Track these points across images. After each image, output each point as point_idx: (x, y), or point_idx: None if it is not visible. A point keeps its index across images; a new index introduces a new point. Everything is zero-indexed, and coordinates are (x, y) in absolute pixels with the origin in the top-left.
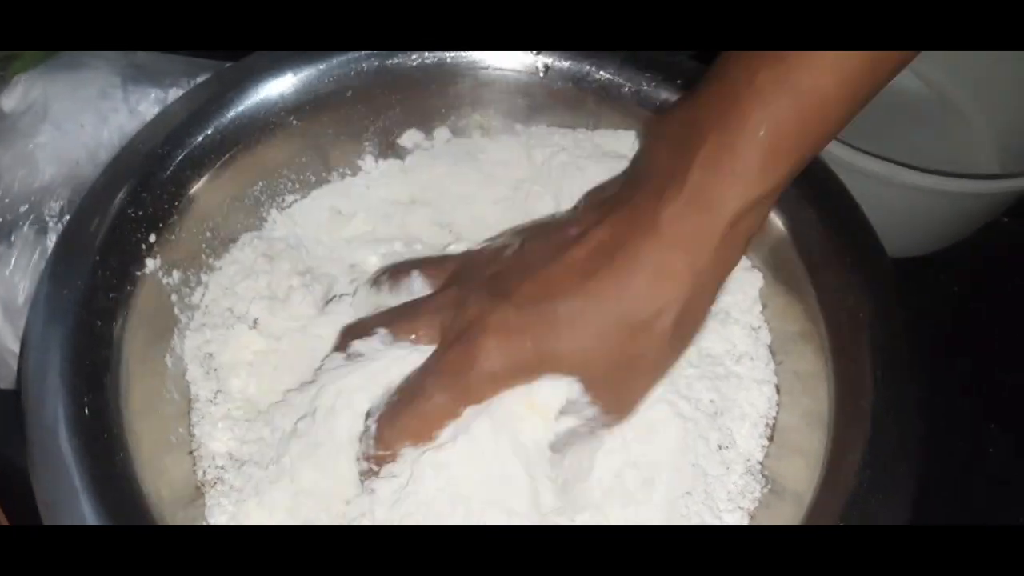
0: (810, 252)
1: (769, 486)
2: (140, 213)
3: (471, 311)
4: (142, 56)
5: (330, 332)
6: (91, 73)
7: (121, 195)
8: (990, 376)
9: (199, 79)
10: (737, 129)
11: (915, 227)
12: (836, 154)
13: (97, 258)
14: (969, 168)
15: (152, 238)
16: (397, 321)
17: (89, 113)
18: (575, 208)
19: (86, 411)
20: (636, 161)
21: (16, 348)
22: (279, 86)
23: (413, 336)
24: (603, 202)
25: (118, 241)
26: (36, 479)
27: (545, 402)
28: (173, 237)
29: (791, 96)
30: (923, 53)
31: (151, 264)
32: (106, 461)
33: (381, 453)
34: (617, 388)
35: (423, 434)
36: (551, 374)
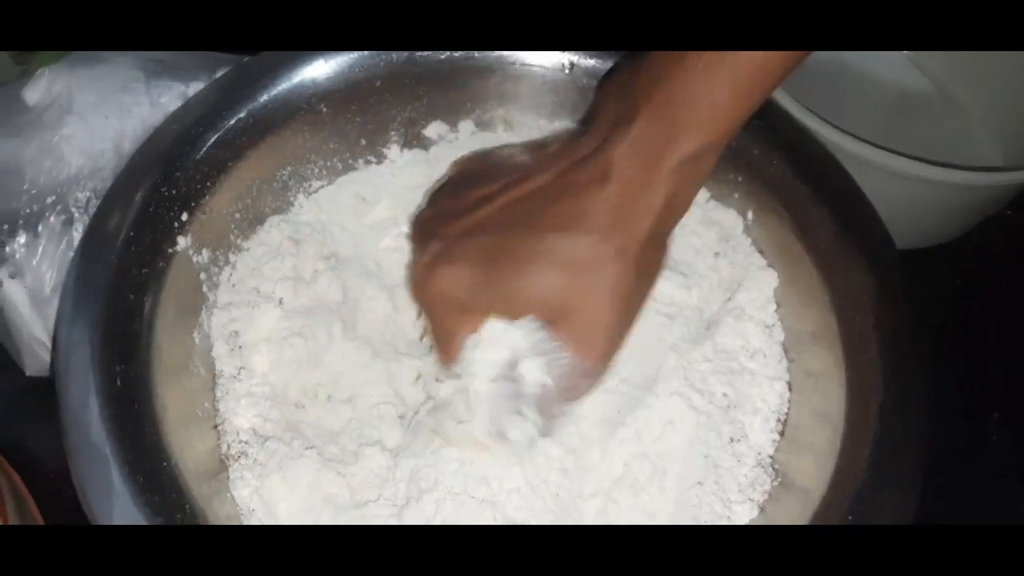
0: (822, 252)
1: (779, 479)
2: (173, 192)
3: (433, 246)
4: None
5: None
6: (113, 67)
7: (155, 174)
8: (990, 368)
9: (219, 72)
10: (680, 78)
11: (918, 219)
12: (841, 145)
13: (131, 234)
14: (971, 161)
15: (184, 216)
16: None
17: (112, 105)
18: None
19: (118, 381)
20: (583, 119)
21: (44, 338)
22: (311, 72)
23: None
24: (546, 149)
25: (151, 218)
26: (68, 445)
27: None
28: (204, 216)
29: (730, 61)
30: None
31: (182, 242)
32: (135, 430)
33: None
34: (579, 322)
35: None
36: (503, 316)
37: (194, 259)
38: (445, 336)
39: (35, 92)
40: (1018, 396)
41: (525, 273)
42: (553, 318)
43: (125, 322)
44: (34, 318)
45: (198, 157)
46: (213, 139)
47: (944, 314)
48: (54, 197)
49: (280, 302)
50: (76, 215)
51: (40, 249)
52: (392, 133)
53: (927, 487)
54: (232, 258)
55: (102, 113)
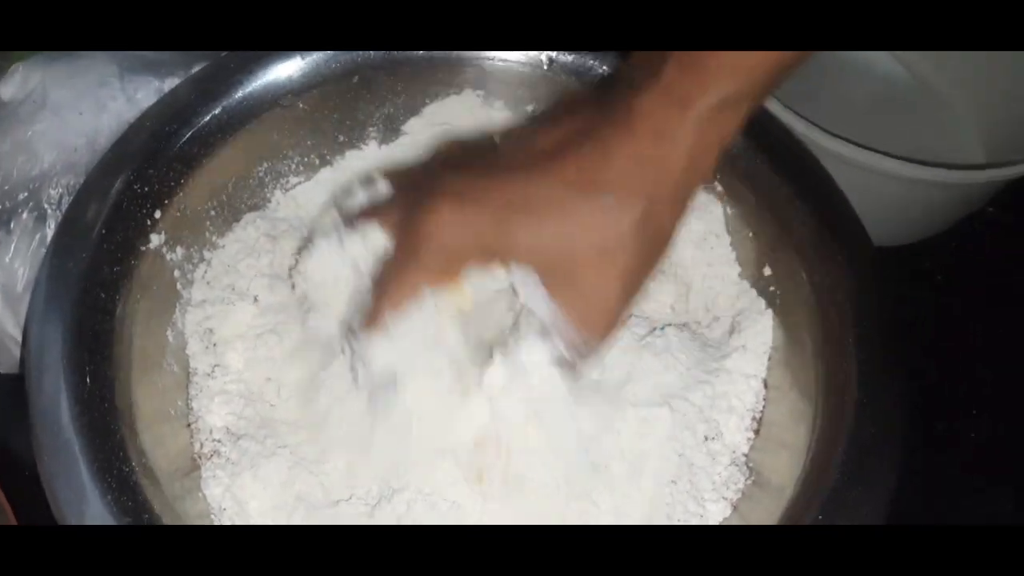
0: (799, 249)
1: (753, 478)
2: (146, 189)
3: (428, 184)
4: None
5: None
6: (89, 62)
7: (128, 171)
8: (971, 365)
9: (195, 69)
10: None
11: (899, 216)
12: (822, 143)
13: (103, 231)
14: (954, 158)
15: (157, 214)
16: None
17: (87, 101)
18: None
19: (88, 380)
20: (607, 81)
21: (16, 334)
22: (287, 69)
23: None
24: (573, 102)
25: (123, 215)
26: (38, 446)
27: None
28: (178, 214)
29: None
30: None
31: (155, 239)
32: (105, 429)
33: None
34: (581, 288)
35: (388, 314)
36: (509, 261)
37: (168, 256)
38: (422, 269)
39: (9, 88)
40: (997, 393)
41: (540, 223)
42: (554, 278)
43: (96, 319)
44: (6, 315)
45: (171, 154)
46: (187, 136)
47: (925, 311)
48: (26, 193)
49: (255, 299)
50: (49, 211)
51: (12, 246)
52: (370, 129)
53: (903, 485)
54: (207, 255)
55: (77, 109)
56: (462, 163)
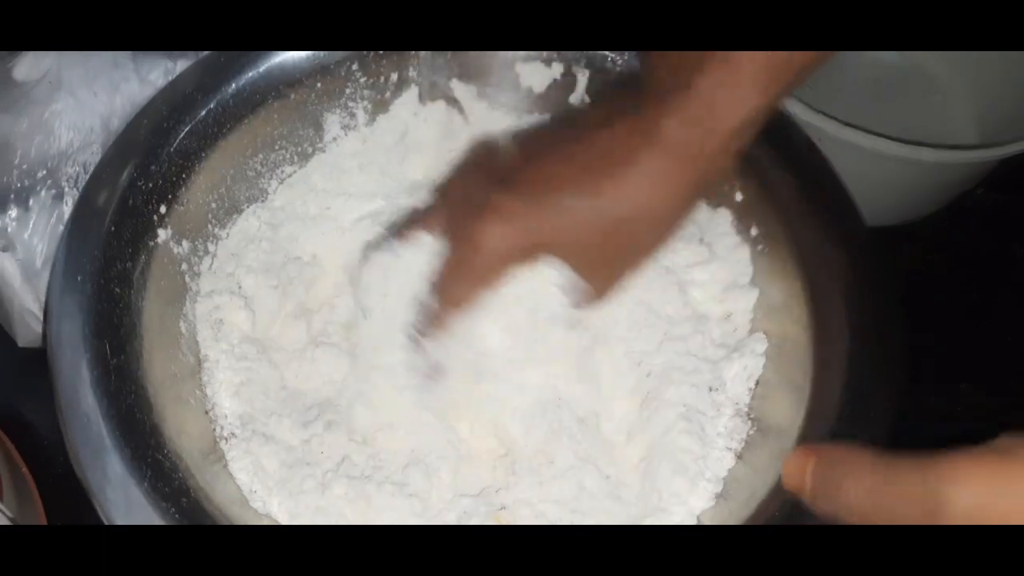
0: (783, 208)
1: (755, 427)
2: (150, 185)
3: (478, 199)
4: None
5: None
6: None
7: (130, 167)
8: (962, 345)
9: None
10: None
11: (890, 197)
12: (813, 123)
13: (112, 229)
14: (946, 138)
15: (163, 209)
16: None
17: (102, 81)
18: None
19: (112, 377)
20: (637, 81)
21: (35, 309)
22: (279, 59)
23: (426, 231)
24: (610, 107)
25: (131, 212)
26: (69, 439)
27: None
28: (182, 208)
29: None
30: None
31: (163, 234)
32: (131, 418)
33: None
34: (601, 272)
35: (451, 317)
36: (546, 257)
37: (175, 250)
38: (481, 273)
39: (24, 69)
40: (988, 368)
41: (575, 238)
42: (580, 267)
43: (115, 315)
44: (25, 290)
45: (171, 149)
46: (185, 131)
47: (916, 290)
48: (44, 172)
49: (259, 289)
50: (66, 189)
51: (31, 223)
52: (359, 112)
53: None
54: (211, 248)
55: (91, 89)
56: (503, 174)
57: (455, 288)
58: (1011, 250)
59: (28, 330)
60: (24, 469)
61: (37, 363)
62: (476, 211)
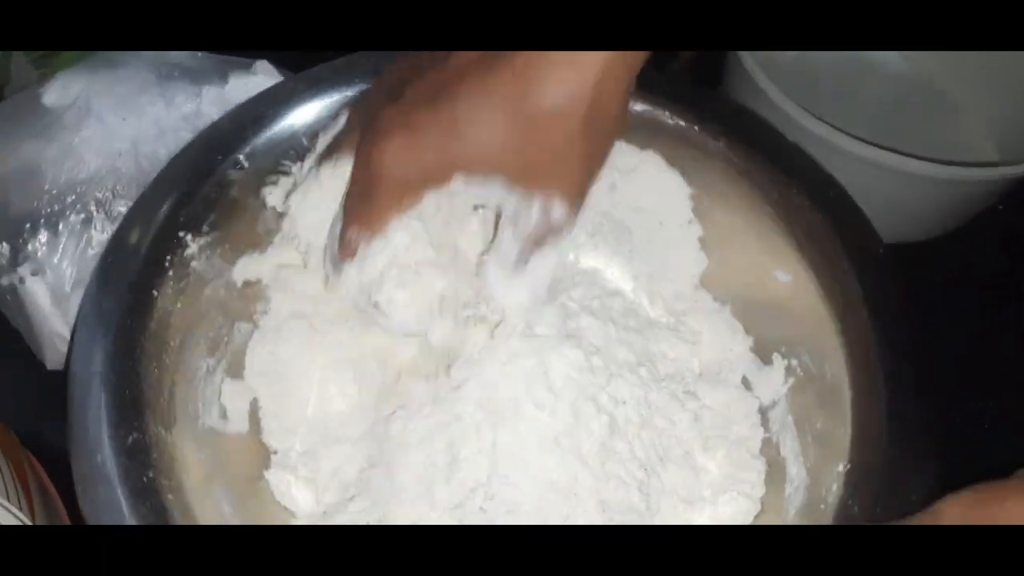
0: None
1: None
2: (184, 218)
3: (371, 121)
4: (174, 55)
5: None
6: (128, 71)
7: (168, 202)
8: (984, 364)
9: (228, 76)
10: None
11: (910, 214)
12: (832, 140)
13: (147, 254)
14: (964, 155)
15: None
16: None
17: (129, 107)
18: None
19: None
20: None
21: (64, 332)
22: (304, 115)
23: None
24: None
25: (164, 243)
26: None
27: (476, 198)
28: (210, 239)
29: None
30: None
31: (195, 264)
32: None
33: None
34: (547, 175)
35: (361, 241)
36: (467, 175)
37: (205, 275)
38: (362, 230)
39: (53, 95)
40: (1011, 387)
41: (491, 131)
42: (520, 174)
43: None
44: (55, 314)
45: (210, 183)
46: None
47: (937, 307)
48: (73, 196)
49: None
50: (95, 213)
51: (60, 247)
52: None
53: None
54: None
55: (119, 115)
56: (398, 89)
57: (360, 212)
58: None
59: (57, 353)
60: (53, 491)
61: (66, 386)
62: (371, 131)
